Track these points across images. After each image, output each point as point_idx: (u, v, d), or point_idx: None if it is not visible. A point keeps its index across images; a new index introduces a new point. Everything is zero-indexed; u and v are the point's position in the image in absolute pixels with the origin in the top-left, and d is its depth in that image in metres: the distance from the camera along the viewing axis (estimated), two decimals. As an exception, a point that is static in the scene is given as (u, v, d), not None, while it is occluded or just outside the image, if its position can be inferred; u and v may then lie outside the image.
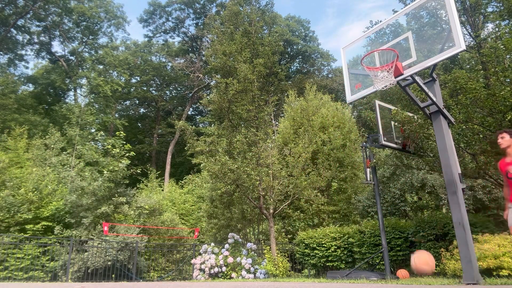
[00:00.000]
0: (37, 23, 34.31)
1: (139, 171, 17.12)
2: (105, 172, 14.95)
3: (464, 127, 7.96)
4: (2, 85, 30.08)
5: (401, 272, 8.72)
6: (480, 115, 7.91)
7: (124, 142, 16.19)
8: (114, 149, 15.65)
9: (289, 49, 40.55)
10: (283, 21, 39.35)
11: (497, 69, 7.58)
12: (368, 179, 10.06)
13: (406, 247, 9.84)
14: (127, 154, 15.54)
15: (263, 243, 14.60)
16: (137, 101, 42.71)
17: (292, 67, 42.15)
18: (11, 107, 28.16)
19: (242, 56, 13.48)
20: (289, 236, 15.82)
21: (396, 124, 9.29)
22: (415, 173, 12.27)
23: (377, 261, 10.00)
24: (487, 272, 6.89)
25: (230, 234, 12.81)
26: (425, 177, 12.11)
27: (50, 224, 14.34)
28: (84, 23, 35.66)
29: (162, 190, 25.68)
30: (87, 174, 16.02)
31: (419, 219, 9.91)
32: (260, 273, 11.43)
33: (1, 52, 33.16)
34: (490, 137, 7.81)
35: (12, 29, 32.48)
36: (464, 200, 7.06)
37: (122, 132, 16.90)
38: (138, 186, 23.97)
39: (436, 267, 8.67)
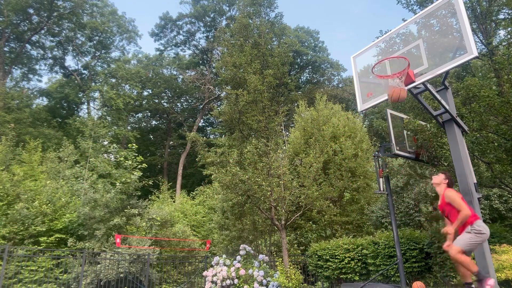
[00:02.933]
0: (51, 38, 35.18)
1: (151, 183, 17.17)
2: (117, 184, 15.07)
3: (478, 135, 7.83)
4: (17, 99, 30.68)
5: (417, 284, 8.53)
6: (494, 123, 7.79)
7: (136, 154, 16.32)
8: (127, 161, 15.79)
9: (298, 60, 40.67)
10: (292, 32, 39.54)
11: (510, 76, 7.47)
12: (381, 189, 9.93)
13: (421, 259, 9.65)
14: (139, 166, 15.66)
15: (275, 255, 14.46)
16: (149, 113, 43.17)
17: (302, 77, 42.22)
18: (25, 121, 28.66)
19: (252, 67, 13.54)
20: (301, 247, 15.65)
21: (408, 133, 9.18)
22: (429, 183, 12.07)
23: (392, 273, 9.82)
24: (506, 284, 6.71)
25: (241, 245, 12.70)
26: (440, 187, 11.89)
27: (63, 236, 14.44)
28: (97, 37, 36.44)
29: (174, 202, 25.71)
30: (100, 186, 16.15)
31: (434, 230, 9.72)
32: (273, 286, 11.29)
33: (15, 67, 33.96)
34: (505, 145, 7.67)
35: (27, 45, 33.31)
36: (480, 209, 6.91)
37: (134, 144, 17.02)
38: (150, 197, 24.04)
39: (453, 279, 8.48)
